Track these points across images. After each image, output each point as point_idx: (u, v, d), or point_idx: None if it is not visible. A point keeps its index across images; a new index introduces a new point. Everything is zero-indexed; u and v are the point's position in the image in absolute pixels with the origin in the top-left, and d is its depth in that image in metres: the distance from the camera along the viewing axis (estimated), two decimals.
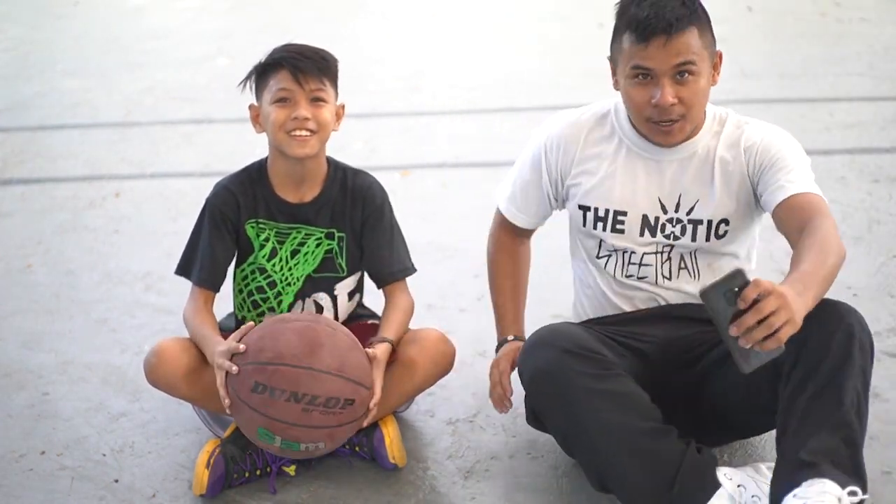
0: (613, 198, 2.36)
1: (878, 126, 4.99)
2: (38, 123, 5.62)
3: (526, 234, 2.65)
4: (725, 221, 2.33)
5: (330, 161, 2.61)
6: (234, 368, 2.24)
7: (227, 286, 2.65)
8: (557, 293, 3.03)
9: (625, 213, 2.36)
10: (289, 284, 2.57)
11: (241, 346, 2.25)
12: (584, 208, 2.40)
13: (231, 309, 2.70)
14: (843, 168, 4.41)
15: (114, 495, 2.44)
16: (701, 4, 2.24)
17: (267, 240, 2.58)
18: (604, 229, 2.38)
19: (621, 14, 2.24)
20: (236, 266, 2.63)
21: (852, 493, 1.99)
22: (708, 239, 2.34)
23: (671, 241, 2.35)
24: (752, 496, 2.12)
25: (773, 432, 2.15)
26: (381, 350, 2.41)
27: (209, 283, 2.57)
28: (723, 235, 2.34)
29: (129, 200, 4.43)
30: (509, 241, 2.64)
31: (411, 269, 2.65)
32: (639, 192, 2.34)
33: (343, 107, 2.58)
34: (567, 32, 7.32)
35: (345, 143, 4.73)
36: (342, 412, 2.24)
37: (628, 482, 2.11)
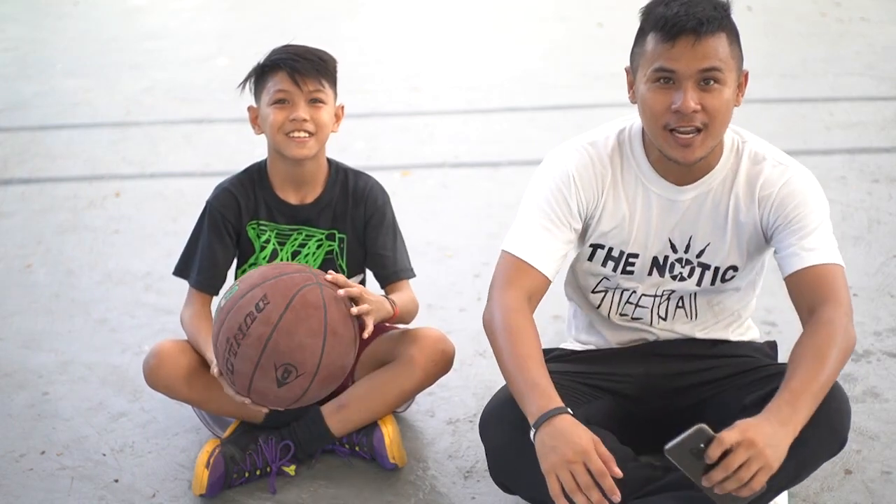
0: (630, 240, 2.24)
1: (878, 126, 4.99)
2: (38, 123, 5.62)
3: (540, 290, 2.22)
4: (734, 268, 2.25)
5: (331, 162, 2.61)
6: (235, 387, 2.27)
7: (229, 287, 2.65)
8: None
9: (636, 255, 2.26)
10: None
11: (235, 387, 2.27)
12: (598, 246, 2.27)
13: None
14: (843, 168, 4.41)
15: (114, 495, 2.44)
16: (732, 19, 2.14)
17: (268, 241, 2.58)
18: (614, 270, 2.28)
19: (647, 14, 2.11)
20: (237, 267, 2.63)
21: None
22: (713, 283, 2.26)
23: (675, 284, 2.27)
24: None
25: None
26: (381, 297, 2.43)
27: (207, 286, 2.57)
28: (729, 279, 2.27)
29: (129, 200, 4.43)
30: (522, 300, 2.18)
31: (412, 272, 2.65)
32: (651, 233, 2.23)
33: (342, 107, 2.58)
34: (567, 32, 7.33)
35: (345, 143, 4.74)
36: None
37: None
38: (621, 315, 2.34)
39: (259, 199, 2.57)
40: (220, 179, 2.65)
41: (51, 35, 7.96)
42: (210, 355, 2.35)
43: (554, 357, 2.40)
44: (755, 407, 2.08)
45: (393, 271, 2.61)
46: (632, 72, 2.17)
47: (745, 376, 2.25)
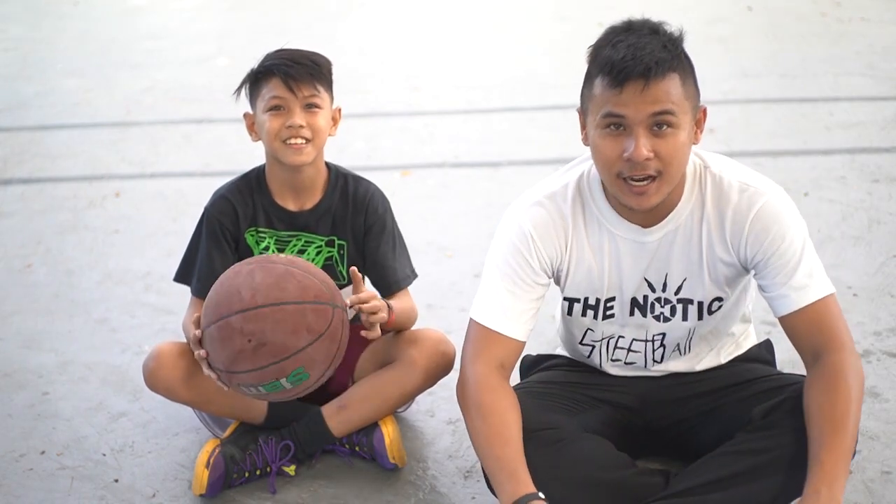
0: (603, 287, 2.17)
1: (878, 126, 4.99)
2: (38, 123, 5.62)
3: (514, 354, 2.18)
4: (718, 299, 2.18)
5: (330, 167, 2.60)
6: (203, 353, 2.25)
7: None
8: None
9: (613, 299, 2.19)
10: None
11: (203, 352, 2.26)
12: (573, 300, 2.22)
13: None
14: (843, 168, 4.40)
15: (114, 495, 2.44)
16: (685, 52, 2.01)
17: (267, 248, 2.57)
18: (594, 317, 2.22)
19: (594, 57, 2.00)
20: None
21: None
22: (700, 317, 2.19)
23: (662, 326, 2.21)
24: None
25: None
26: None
27: (206, 293, 2.56)
28: (716, 310, 2.20)
29: (129, 200, 4.43)
30: (492, 371, 2.12)
31: (413, 277, 2.65)
32: (625, 277, 2.16)
33: (339, 110, 2.56)
34: (567, 32, 7.32)
35: (345, 143, 4.74)
36: (317, 307, 2.21)
37: None
38: (613, 361, 2.31)
39: (257, 205, 2.56)
40: (221, 179, 2.65)
41: (51, 35, 7.96)
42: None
43: (552, 365, 2.40)
44: (763, 419, 2.10)
45: (394, 281, 2.60)
46: (582, 113, 2.09)
47: (747, 387, 2.24)
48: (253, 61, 2.51)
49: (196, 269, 2.57)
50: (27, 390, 2.92)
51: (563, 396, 2.23)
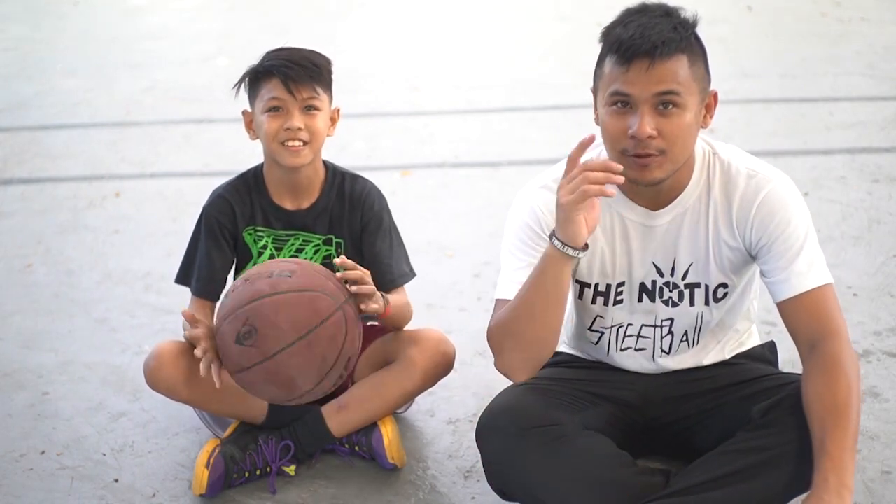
0: (613, 272, 2.21)
1: (878, 126, 4.99)
2: (38, 123, 5.62)
3: None
4: (724, 285, 2.20)
5: (328, 166, 2.60)
6: (198, 332, 2.27)
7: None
8: None
9: (623, 284, 2.22)
10: None
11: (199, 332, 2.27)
12: (584, 285, 2.24)
13: None
14: (843, 168, 4.40)
15: (114, 495, 2.44)
16: (697, 36, 2.04)
17: (265, 247, 2.57)
18: (605, 303, 2.24)
19: (606, 36, 2.04)
20: (235, 272, 2.62)
21: None
22: (707, 303, 2.21)
23: (670, 311, 2.23)
24: None
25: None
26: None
27: (207, 293, 2.56)
28: (722, 297, 2.22)
29: (129, 200, 4.43)
30: None
31: (410, 275, 2.64)
32: (634, 261, 2.19)
33: (338, 110, 2.56)
34: (567, 32, 7.32)
35: (345, 143, 4.74)
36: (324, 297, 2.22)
37: None
38: (622, 350, 2.31)
39: (255, 204, 2.57)
40: (220, 179, 2.65)
41: (51, 35, 7.96)
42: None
43: (554, 362, 2.40)
44: (762, 417, 2.09)
45: (390, 279, 2.59)
46: (594, 93, 2.12)
47: (749, 386, 2.24)
48: (253, 61, 2.51)
49: (195, 269, 2.57)
50: (27, 390, 2.92)
51: (565, 393, 2.23)
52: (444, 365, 2.52)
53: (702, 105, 2.06)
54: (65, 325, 3.32)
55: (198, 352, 2.26)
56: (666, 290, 2.21)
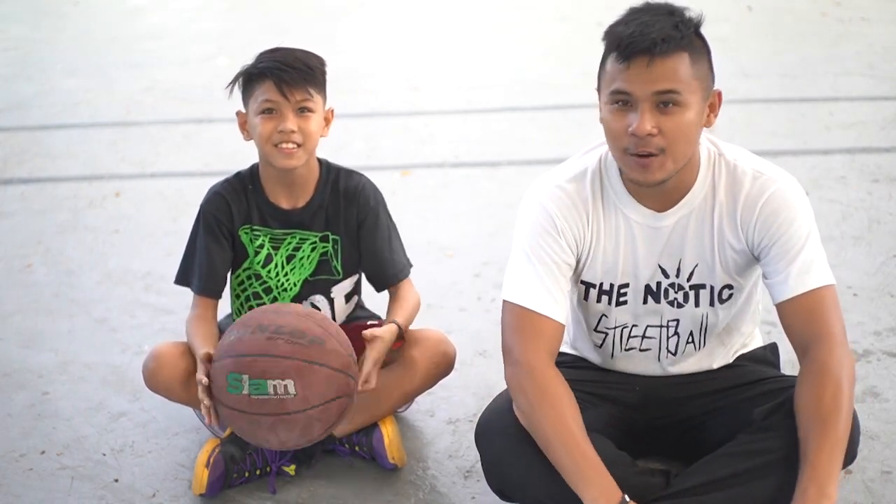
0: (618, 272, 2.19)
1: (878, 126, 4.99)
2: (38, 123, 5.62)
3: (557, 339, 2.14)
4: (728, 287, 2.19)
5: (322, 163, 2.60)
6: (205, 380, 2.25)
7: (227, 288, 2.65)
8: None
9: (627, 285, 2.20)
10: (285, 290, 2.56)
11: (205, 380, 2.26)
12: (589, 285, 2.22)
13: (230, 310, 2.70)
14: (843, 168, 4.40)
15: (114, 495, 2.44)
16: (700, 34, 2.04)
17: (261, 246, 2.57)
18: (609, 303, 2.23)
19: (608, 35, 2.03)
20: (232, 271, 2.62)
21: None
22: (712, 304, 2.21)
23: (676, 311, 2.22)
24: None
25: None
26: (384, 329, 2.41)
27: (209, 291, 2.56)
28: (727, 299, 2.21)
29: (129, 200, 4.43)
30: (548, 361, 2.11)
31: (409, 267, 2.65)
32: (640, 263, 2.18)
33: (332, 111, 2.55)
34: (567, 32, 7.32)
35: (345, 143, 4.74)
36: (310, 347, 2.20)
37: None
38: (627, 350, 2.30)
39: (251, 204, 2.56)
40: (220, 179, 2.65)
41: (51, 35, 7.96)
42: (201, 352, 2.35)
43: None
44: (763, 420, 2.10)
45: (392, 273, 2.60)
46: (598, 92, 2.11)
47: (750, 388, 2.24)
48: (249, 62, 2.51)
49: (196, 267, 2.57)
50: (27, 390, 2.92)
51: None
52: (444, 365, 2.52)
53: (705, 104, 2.05)
54: (65, 325, 3.32)
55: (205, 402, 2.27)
56: (671, 291, 2.21)
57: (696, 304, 2.22)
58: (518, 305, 2.12)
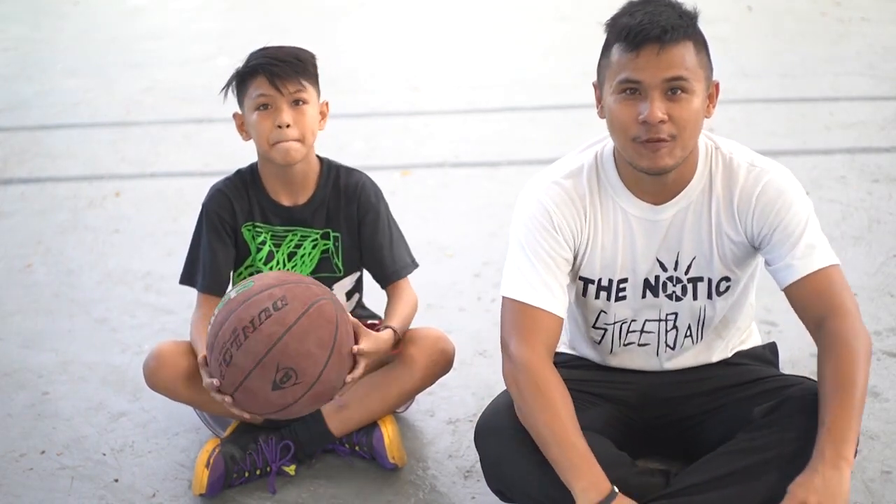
0: (616, 267, 2.20)
1: (878, 126, 4.99)
2: (39, 123, 5.62)
3: (556, 334, 2.16)
4: (726, 279, 2.21)
5: (322, 160, 2.61)
6: (217, 382, 2.22)
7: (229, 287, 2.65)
8: None
9: (626, 280, 2.22)
10: None
11: (216, 382, 2.23)
12: (588, 281, 2.23)
13: None
14: (843, 168, 4.40)
15: (114, 495, 2.44)
16: (699, 28, 2.08)
17: (263, 243, 2.57)
18: (607, 299, 2.24)
19: (612, 25, 2.07)
20: (234, 269, 2.62)
21: None
22: (710, 296, 2.22)
23: (674, 305, 2.23)
24: None
25: None
26: (380, 335, 2.40)
27: (214, 289, 2.56)
28: (725, 291, 2.22)
29: (129, 200, 4.43)
30: (544, 357, 2.12)
31: (412, 266, 2.65)
32: (638, 257, 2.19)
33: (327, 104, 2.57)
34: (567, 32, 7.32)
35: (345, 143, 4.74)
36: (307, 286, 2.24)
37: None
38: (626, 345, 2.30)
39: (252, 201, 2.57)
40: (222, 178, 2.65)
41: (51, 35, 7.96)
42: (201, 349, 2.35)
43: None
44: (763, 418, 2.10)
45: (392, 271, 2.60)
46: (598, 85, 2.13)
47: (750, 387, 2.24)
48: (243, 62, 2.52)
49: (200, 265, 2.57)
50: (27, 390, 2.92)
51: None
52: (443, 363, 2.52)
53: (706, 94, 2.08)
54: (65, 325, 3.32)
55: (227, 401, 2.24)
56: (669, 284, 2.22)
57: (695, 298, 2.22)
58: (516, 301, 2.14)
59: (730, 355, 2.35)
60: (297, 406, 2.21)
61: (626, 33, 2.01)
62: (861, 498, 2.31)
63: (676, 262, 2.20)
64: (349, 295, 2.65)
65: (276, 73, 2.43)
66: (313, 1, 8.76)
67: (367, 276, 2.71)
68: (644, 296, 2.23)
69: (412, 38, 7.47)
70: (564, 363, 2.38)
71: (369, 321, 2.68)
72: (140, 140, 5.31)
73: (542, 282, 2.13)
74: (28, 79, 6.61)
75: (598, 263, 2.21)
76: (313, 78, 2.51)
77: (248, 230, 2.57)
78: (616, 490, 1.98)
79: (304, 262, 2.57)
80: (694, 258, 2.19)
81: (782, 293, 2.14)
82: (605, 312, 2.27)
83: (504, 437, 2.10)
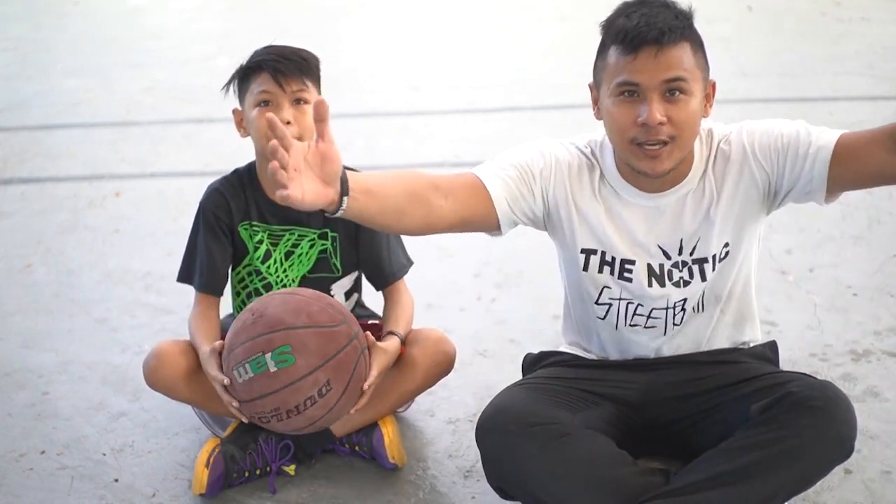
0: (617, 247, 2.20)
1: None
2: (39, 123, 5.62)
3: (460, 195, 2.12)
4: (726, 245, 2.20)
5: None
6: (227, 380, 2.22)
7: (227, 286, 2.65)
8: (557, 290, 3.03)
9: (632, 262, 2.21)
10: (284, 286, 2.57)
11: (226, 380, 2.22)
12: (589, 252, 2.23)
13: (231, 309, 2.70)
14: None
15: (114, 494, 2.44)
16: (695, 28, 2.08)
17: (261, 242, 2.57)
18: (611, 273, 2.23)
19: (608, 27, 2.06)
20: (232, 268, 2.62)
21: None
22: (714, 269, 2.22)
23: (683, 291, 2.22)
24: None
25: None
26: (388, 343, 2.41)
27: (211, 288, 2.56)
28: (724, 258, 2.22)
29: (129, 200, 4.43)
30: (441, 186, 2.08)
31: (408, 265, 2.65)
32: (639, 243, 2.20)
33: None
34: (567, 32, 7.33)
35: (345, 143, 4.73)
36: (328, 310, 2.23)
37: None
38: (632, 326, 2.30)
39: (249, 200, 2.57)
40: (219, 177, 2.66)
41: (51, 35, 7.96)
42: (205, 349, 2.35)
43: (553, 361, 2.39)
44: (761, 415, 2.09)
45: (390, 273, 2.60)
46: (595, 87, 2.13)
47: (748, 385, 2.24)
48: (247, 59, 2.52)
49: (197, 264, 2.57)
50: (27, 390, 2.92)
51: (565, 393, 2.23)
52: (444, 364, 2.52)
53: (704, 94, 2.09)
54: (65, 325, 3.32)
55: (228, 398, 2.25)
56: (675, 271, 2.22)
57: (703, 279, 2.22)
58: (474, 174, 2.15)
59: (727, 345, 2.34)
60: (303, 429, 2.27)
61: (622, 35, 2.01)
62: (861, 498, 2.31)
63: (680, 248, 2.20)
64: (348, 295, 2.64)
65: (280, 70, 2.43)
66: (313, 1, 8.77)
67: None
68: (650, 284, 2.23)
69: (412, 38, 7.48)
70: (565, 363, 2.38)
71: (370, 321, 2.68)
72: (140, 140, 5.31)
73: (504, 181, 2.15)
74: (28, 79, 6.61)
75: (598, 233, 2.21)
76: (316, 79, 2.51)
77: (245, 229, 2.57)
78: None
79: (301, 262, 2.57)
80: (699, 239, 2.19)
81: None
82: (608, 287, 2.26)
83: (505, 435, 2.10)
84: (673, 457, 2.32)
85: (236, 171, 2.61)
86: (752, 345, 2.38)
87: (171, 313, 3.29)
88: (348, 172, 1.91)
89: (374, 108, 5.64)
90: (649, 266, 2.21)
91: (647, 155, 2.04)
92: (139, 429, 2.71)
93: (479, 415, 2.24)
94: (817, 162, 2.08)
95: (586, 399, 2.25)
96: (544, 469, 2.04)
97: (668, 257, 2.21)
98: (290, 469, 2.46)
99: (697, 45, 2.07)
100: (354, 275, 2.65)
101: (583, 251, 2.24)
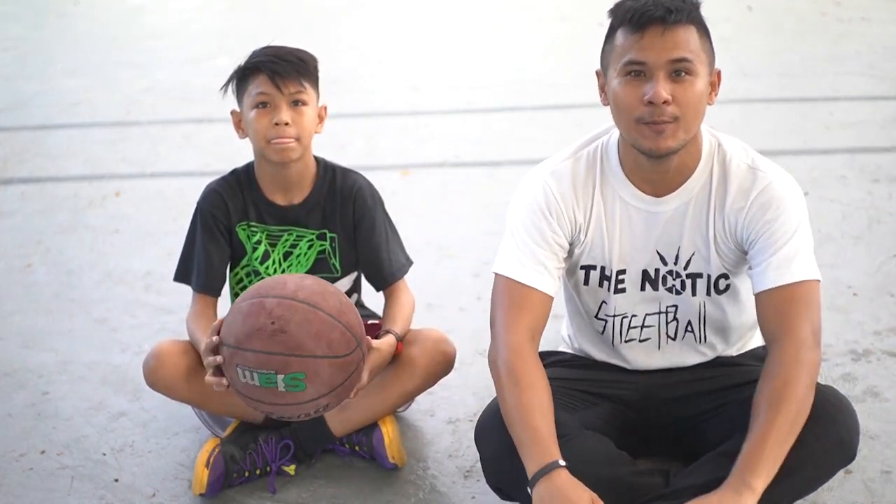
0: (614, 257, 2.21)
1: (878, 126, 4.99)
2: (39, 123, 5.62)
3: (544, 314, 2.17)
4: (724, 276, 2.20)
5: (319, 161, 2.60)
6: (220, 359, 2.20)
7: (226, 286, 2.65)
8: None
9: (624, 271, 2.22)
10: None
11: (218, 359, 2.20)
12: (590, 268, 2.24)
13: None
14: (843, 168, 4.40)
15: (114, 494, 2.44)
16: (701, 15, 2.10)
17: (259, 242, 2.57)
18: (608, 289, 2.24)
19: (615, 11, 2.09)
20: (230, 269, 2.62)
21: None
22: (709, 293, 2.22)
23: (674, 298, 2.23)
24: None
25: None
26: (383, 341, 2.41)
27: (208, 288, 2.56)
28: (724, 290, 2.22)
29: (129, 200, 4.43)
30: (526, 339, 2.13)
31: (408, 265, 2.65)
32: (637, 248, 2.20)
33: (325, 108, 2.56)
34: (567, 32, 7.33)
35: (345, 143, 4.75)
36: (345, 333, 2.20)
37: None
38: (626, 342, 2.30)
39: (247, 200, 2.57)
40: (217, 177, 2.66)
41: (51, 35, 7.96)
42: (201, 341, 2.35)
43: (553, 361, 2.39)
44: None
45: (389, 273, 2.60)
46: (602, 72, 2.14)
47: (749, 388, 2.21)
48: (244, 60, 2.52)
49: (195, 264, 2.57)
50: (27, 390, 2.92)
51: (564, 393, 2.23)
52: (444, 364, 2.52)
53: (709, 80, 2.09)
54: (65, 325, 3.32)
55: (215, 381, 2.22)
56: (669, 278, 2.22)
57: (693, 293, 2.22)
58: (507, 277, 2.17)
59: (733, 353, 2.35)
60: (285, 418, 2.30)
61: (630, 15, 2.04)
62: (861, 498, 2.31)
63: (676, 257, 2.20)
64: (347, 295, 2.64)
65: (278, 71, 2.43)
66: (313, 1, 8.77)
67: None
68: (643, 288, 2.23)
69: (412, 38, 7.48)
70: (566, 362, 2.38)
71: (370, 320, 2.68)
72: (140, 140, 5.31)
73: (534, 260, 2.15)
74: (28, 79, 6.61)
75: (597, 251, 2.21)
76: (314, 80, 2.50)
77: (243, 230, 2.57)
78: (561, 462, 1.96)
79: (299, 263, 2.57)
80: (693, 253, 2.19)
81: None
82: (605, 303, 2.27)
83: (504, 435, 2.10)
84: (673, 457, 2.32)
85: (234, 172, 2.61)
86: (753, 347, 2.38)
87: (171, 313, 3.29)
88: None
89: (374, 108, 5.64)
90: (644, 272, 2.22)
91: (653, 131, 2.04)
92: (139, 429, 2.71)
93: (479, 414, 2.24)
94: (752, 281, 2.13)
95: (585, 399, 2.25)
96: None
97: (665, 263, 2.21)
98: (290, 469, 2.46)
99: (704, 31, 2.08)
100: (354, 275, 2.65)
101: (583, 268, 2.25)
